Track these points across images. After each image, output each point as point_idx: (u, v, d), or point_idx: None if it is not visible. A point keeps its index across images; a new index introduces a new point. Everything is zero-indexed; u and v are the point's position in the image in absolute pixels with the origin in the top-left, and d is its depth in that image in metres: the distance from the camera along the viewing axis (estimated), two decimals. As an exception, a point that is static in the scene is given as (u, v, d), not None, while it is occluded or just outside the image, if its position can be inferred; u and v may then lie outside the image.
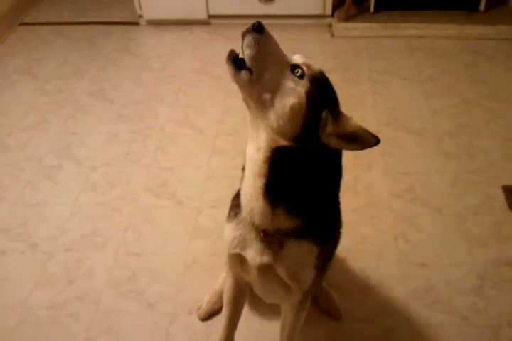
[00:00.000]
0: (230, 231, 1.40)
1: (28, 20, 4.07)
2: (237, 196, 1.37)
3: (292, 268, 1.36)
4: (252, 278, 1.46)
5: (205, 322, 1.94)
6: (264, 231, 1.30)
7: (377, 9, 3.73)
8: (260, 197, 1.25)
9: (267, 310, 1.93)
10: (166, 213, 2.39)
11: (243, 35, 1.19)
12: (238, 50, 1.21)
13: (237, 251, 1.39)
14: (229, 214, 1.42)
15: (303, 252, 1.35)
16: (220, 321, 1.73)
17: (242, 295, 1.68)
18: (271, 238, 1.31)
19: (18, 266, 2.17)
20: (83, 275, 2.12)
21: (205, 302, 1.97)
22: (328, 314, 1.94)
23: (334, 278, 2.06)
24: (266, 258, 1.35)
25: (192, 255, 2.19)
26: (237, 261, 1.43)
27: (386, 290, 2.02)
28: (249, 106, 1.22)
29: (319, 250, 1.36)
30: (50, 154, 2.74)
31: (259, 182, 1.24)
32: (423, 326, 1.89)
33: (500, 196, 2.38)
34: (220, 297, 1.96)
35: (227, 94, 3.08)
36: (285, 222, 1.28)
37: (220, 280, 2.00)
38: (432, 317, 1.92)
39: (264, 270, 1.38)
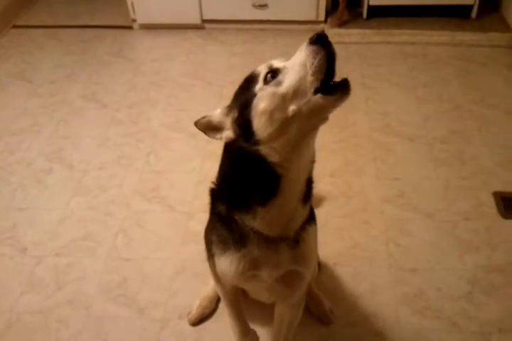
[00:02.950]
0: (233, 263, 1.35)
1: (21, 23, 4.06)
2: (225, 225, 1.33)
3: (308, 256, 1.39)
4: (258, 286, 1.45)
5: (196, 328, 1.93)
6: (287, 238, 1.30)
7: (370, 15, 3.75)
8: (300, 206, 1.26)
9: (253, 313, 1.92)
10: (158, 217, 2.39)
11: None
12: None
13: (250, 273, 1.36)
14: (222, 247, 1.37)
15: (313, 235, 1.41)
16: (231, 321, 1.71)
17: (238, 293, 1.67)
18: (292, 240, 1.32)
19: (7, 271, 2.15)
20: (73, 280, 2.11)
21: (195, 307, 1.96)
22: (319, 319, 1.94)
23: (325, 283, 2.06)
24: (285, 266, 1.35)
25: (183, 260, 2.18)
26: (247, 280, 1.41)
27: (376, 296, 2.02)
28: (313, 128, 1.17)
29: (316, 227, 1.44)
30: (42, 158, 2.73)
31: (301, 196, 1.25)
32: (413, 332, 1.89)
33: (491, 202, 2.39)
34: (210, 302, 1.97)
35: (219, 98, 3.08)
36: (307, 210, 1.31)
37: (210, 286, 1.99)
38: (422, 323, 1.91)
39: (279, 276, 1.38)
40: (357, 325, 1.93)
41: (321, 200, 2.37)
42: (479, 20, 3.70)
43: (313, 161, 1.25)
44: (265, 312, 1.87)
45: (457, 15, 3.73)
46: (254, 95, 1.14)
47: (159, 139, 2.84)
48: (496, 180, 2.51)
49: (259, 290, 1.54)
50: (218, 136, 1.23)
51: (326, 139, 2.75)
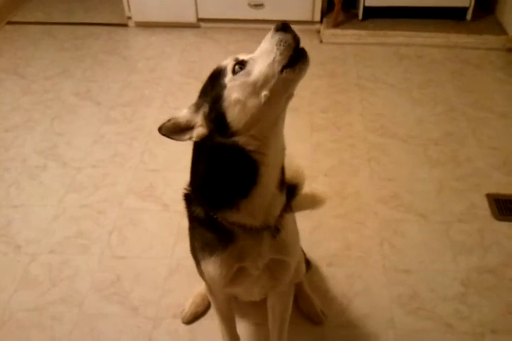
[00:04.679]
0: (223, 262, 1.35)
1: (15, 19, 4.04)
2: (208, 227, 1.33)
3: (289, 244, 1.40)
4: (247, 282, 1.45)
5: (189, 327, 1.93)
6: (269, 227, 1.31)
7: (365, 16, 3.77)
8: (277, 193, 1.27)
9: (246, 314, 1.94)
10: (152, 216, 2.38)
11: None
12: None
13: (236, 266, 1.36)
14: (208, 250, 1.36)
15: (291, 223, 1.42)
16: (221, 328, 1.73)
17: (230, 303, 1.69)
18: (273, 229, 1.33)
19: (1, 268, 2.14)
20: (67, 277, 2.10)
21: (187, 304, 1.96)
22: (310, 319, 1.94)
23: (318, 283, 2.07)
24: (268, 255, 1.36)
25: (176, 259, 2.17)
26: (235, 276, 1.40)
27: (370, 296, 2.02)
28: (284, 107, 1.19)
29: (294, 215, 1.47)
30: (36, 154, 2.72)
31: (277, 181, 1.26)
32: (407, 332, 1.89)
33: (485, 204, 2.40)
34: (203, 299, 1.97)
35: (215, 97, 3.06)
36: (284, 197, 1.32)
37: (203, 284, 1.99)
38: (415, 323, 1.92)
39: (265, 266, 1.39)
40: (350, 326, 1.93)
41: (316, 201, 2.38)
42: (474, 22, 3.72)
43: (284, 148, 1.26)
44: (259, 313, 1.88)
45: (452, 17, 3.74)
46: (225, 87, 1.14)
47: (154, 138, 2.83)
48: (489, 182, 2.53)
49: (248, 286, 1.54)
50: (187, 136, 1.20)
51: (321, 139, 2.76)
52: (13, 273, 2.11)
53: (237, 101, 1.12)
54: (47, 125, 2.94)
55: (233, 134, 1.15)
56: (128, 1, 3.79)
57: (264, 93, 1.11)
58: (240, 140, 1.15)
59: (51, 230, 2.31)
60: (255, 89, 1.11)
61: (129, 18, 3.90)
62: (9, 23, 3.98)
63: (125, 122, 2.97)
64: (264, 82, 1.11)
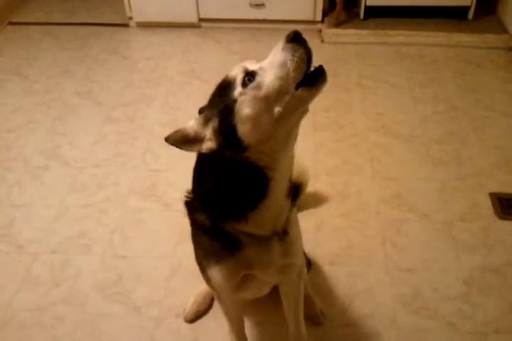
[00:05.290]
0: (229, 269, 1.35)
1: (16, 19, 4.04)
2: (214, 236, 1.32)
3: (296, 247, 1.41)
4: (256, 286, 1.45)
5: (192, 326, 1.92)
6: (277, 233, 1.31)
7: (367, 16, 3.76)
8: (285, 200, 1.27)
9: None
10: (154, 216, 2.38)
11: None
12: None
13: (244, 273, 1.36)
14: (214, 258, 1.36)
15: (294, 220, 1.42)
16: (230, 334, 1.74)
17: (239, 308, 1.70)
18: (281, 234, 1.32)
19: (3, 268, 2.14)
20: (69, 277, 2.10)
21: (189, 303, 1.96)
22: (310, 319, 1.92)
23: (320, 283, 2.06)
24: (277, 262, 1.36)
25: (178, 258, 2.17)
26: (243, 283, 1.40)
27: (373, 296, 2.02)
28: (297, 123, 1.16)
29: (296, 210, 1.46)
30: (38, 154, 2.72)
31: (286, 191, 1.26)
32: (409, 332, 1.89)
33: (487, 203, 2.40)
34: (205, 298, 1.97)
35: (216, 97, 3.06)
36: (289, 202, 1.32)
37: (205, 283, 1.99)
38: (418, 323, 1.91)
39: (272, 270, 1.39)
40: (353, 325, 1.92)
41: (319, 200, 2.38)
42: (476, 21, 3.71)
43: (293, 157, 1.24)
44: (260, 313, 1.89)
45: (454, 16, 3.74)
46: (235, 101, 1.10)
47: (155, 137, 2.83)
48: (492, 181, 2.52)
49: (257, 289, 1.54)
50: (196, 148, 1.16)
51: (323, 138, 2.76)
52: (15, 273, 2.11)
53: (249, 117, 1.08)
54: (49, 125, 2.94)
55: (244, 150, 1.12)
56: (129, 1, 3.78)
57: (277, 109, 1.07)
58: (252, 156, 1.13)
59: (53, 230, 2.31)
60: (268, 104, 1.07)
61: (130, 18, 3.90)
62: (10, 23, 3.98)
63: (127, 121, 2.96)
64: (277, 97, 1.07)
